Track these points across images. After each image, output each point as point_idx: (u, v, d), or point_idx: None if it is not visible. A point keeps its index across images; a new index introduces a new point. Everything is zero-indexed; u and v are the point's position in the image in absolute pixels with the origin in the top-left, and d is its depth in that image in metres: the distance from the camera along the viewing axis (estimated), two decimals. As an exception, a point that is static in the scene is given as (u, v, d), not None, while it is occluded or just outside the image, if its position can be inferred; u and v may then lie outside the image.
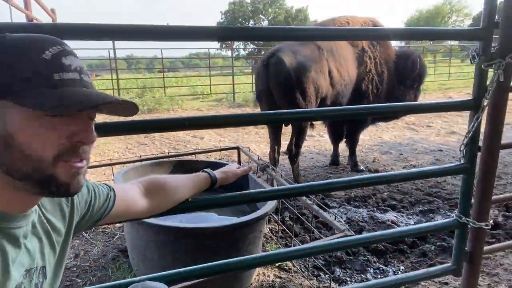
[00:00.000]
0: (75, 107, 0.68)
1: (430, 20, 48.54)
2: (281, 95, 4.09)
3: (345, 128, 5.37)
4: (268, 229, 3.29)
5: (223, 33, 1.22)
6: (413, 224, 3.50)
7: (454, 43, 20.31)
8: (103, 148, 6.53)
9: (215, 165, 3.07)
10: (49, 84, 0.68)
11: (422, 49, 18.41)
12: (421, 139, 7.22)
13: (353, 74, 4.68)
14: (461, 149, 1.60)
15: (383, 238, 1.70)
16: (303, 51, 4.14)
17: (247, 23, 47.39)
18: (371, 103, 4.85)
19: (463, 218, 1.68)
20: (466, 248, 1.76)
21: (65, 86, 0.70)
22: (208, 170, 1.29)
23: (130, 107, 0.82)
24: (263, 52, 19.99)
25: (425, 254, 2.94)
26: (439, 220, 3.17)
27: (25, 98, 0.66)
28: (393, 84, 5.07)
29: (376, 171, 5.24)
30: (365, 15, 5.17)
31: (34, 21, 3.69)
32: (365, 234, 2.00)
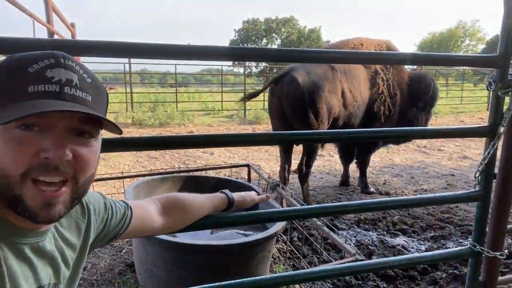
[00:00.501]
0: (14, 117, 0.63)
1: (443, 43, 48.67)
2: (294, 114, 4.10)
3: (356, 149, 5.35)
4: (276, 249, 3.26)
5: (236, 52, 1.22)
6: (424, 250, 3.43)
7: (467, 67, 20.27)
8: (114, 161, 6.59)
9: (228, 183, 3.08)
10: (21, 97, 0.67)
11: (435, 72, 18.39)
12: (432, 163, 7.14)
13: (366, 96, 4.68)
14: (476, 175, 1.57)
15: (396, 264, 1.66)
16: (316, 71, 4.16)
17: (260, 41, 48.13)
18: (383, 124, 4.84)
19: (477, 247, 1.64)
20: (479, 278, 1.71)
21: (40, 98, 0.67)
22: (226, 191, 1.29)
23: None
24: (275, 70, 20.17)
25: (436, 281, 2.87)
26: (453, 248, 3.11)
27: None
28: (405, 106, 5.04)
29: (387, 193, 5.17)
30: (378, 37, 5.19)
31: (55, 36, 3.79)
32: (377, 260, 1.96)
